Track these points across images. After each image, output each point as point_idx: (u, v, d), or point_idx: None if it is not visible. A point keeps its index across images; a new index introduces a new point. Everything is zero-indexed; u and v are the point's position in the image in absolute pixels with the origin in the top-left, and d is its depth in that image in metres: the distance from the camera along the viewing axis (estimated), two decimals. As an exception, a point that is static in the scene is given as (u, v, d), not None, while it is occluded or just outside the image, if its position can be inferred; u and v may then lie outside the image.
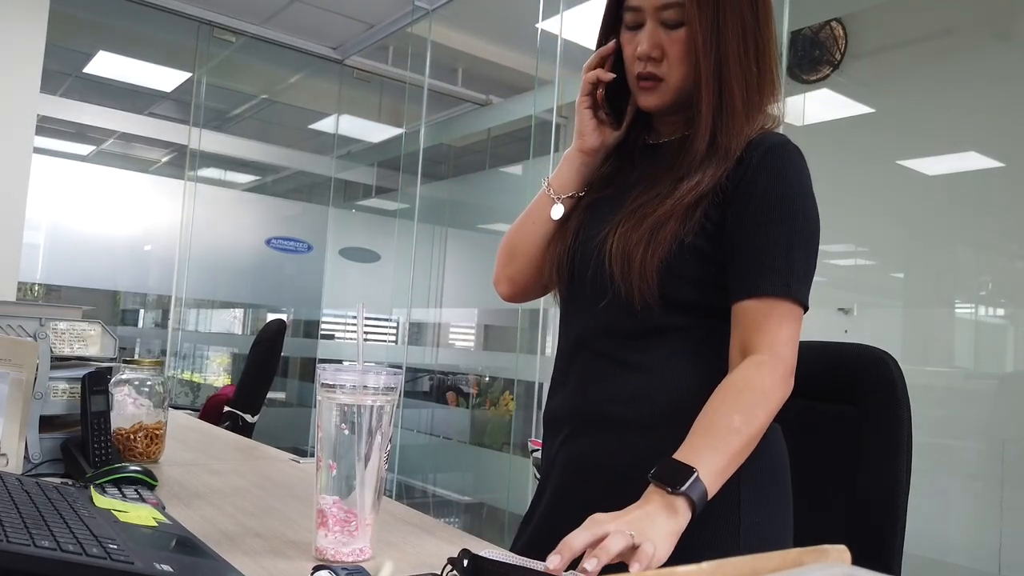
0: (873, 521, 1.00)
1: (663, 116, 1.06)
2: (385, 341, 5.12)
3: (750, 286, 0.92)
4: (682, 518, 0.80)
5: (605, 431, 0.97)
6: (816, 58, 2.84)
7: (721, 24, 0.96)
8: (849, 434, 1.05)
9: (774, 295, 0.91)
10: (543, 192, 1.10)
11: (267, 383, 3.21)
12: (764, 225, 0.93)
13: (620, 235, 0.96)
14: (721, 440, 0.84)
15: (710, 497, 0.82)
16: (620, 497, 0.82)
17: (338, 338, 5.01)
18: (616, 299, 0.96)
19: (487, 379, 4.77)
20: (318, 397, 0.81)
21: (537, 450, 1.19)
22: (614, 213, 1.01)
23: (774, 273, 0.91)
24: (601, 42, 1.09)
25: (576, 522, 0.93)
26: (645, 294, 0.93)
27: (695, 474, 0.81)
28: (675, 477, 0.81)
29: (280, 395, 5.14)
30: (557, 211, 1.08)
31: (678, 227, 0.94)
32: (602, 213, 1.04)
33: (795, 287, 0.91)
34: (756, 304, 0.91)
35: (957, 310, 2.46)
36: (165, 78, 4.71)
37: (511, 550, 0.89)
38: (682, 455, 0.84)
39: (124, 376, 1.25)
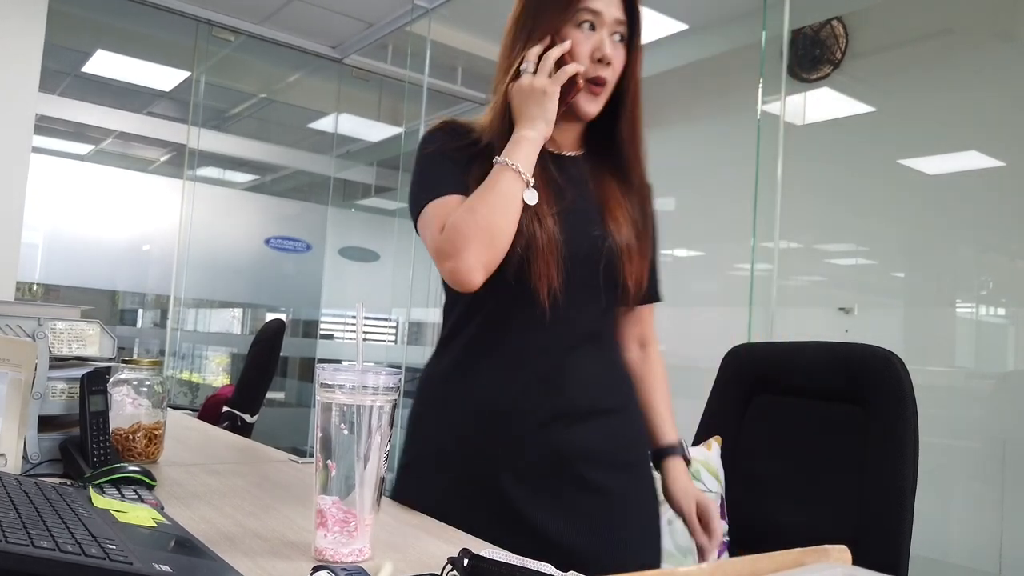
0: (881, 521, 0.99)
1: (568, 125, 1.11)
2: (384, 341, 5.11)
3: (654, 293, 1.19)
4: None
5: (592, 419, 1.08)
6: (817, 57, 2.84)
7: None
8: (856, 434, 1.05)
9: (659, 299, 1.21)
10: (514, 175, 1.02)
11: (266, 383, 3.20)
12: (652, 241, 1.15)
13: (616, 244, 1.09)
14: (672, 416, 1.20)
15: None
16: (605, 475, 1.04)
17: (337, 338, 5.00)
18: (610, 298, 1.10)
19: (486, 379, 4.74)
20: (317, 397, 0.81)
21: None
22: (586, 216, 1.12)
23: (658, 283, 1.19)
24: (541, 28, 1.05)
25: (555, 506, 1.04)
26: (637, 297, 1.12)
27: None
28: (684, 452, 1.15)
29: (279, 395, 5.13)
30: (532, 196, 1.04)
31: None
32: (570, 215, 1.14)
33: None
34: (651, 306, 1.21)
35: (958, 309, 2.45)
36: (164, 77, 4.71)
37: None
38: (672, 435, 1.17)
39: (123, 376, 1.25)
